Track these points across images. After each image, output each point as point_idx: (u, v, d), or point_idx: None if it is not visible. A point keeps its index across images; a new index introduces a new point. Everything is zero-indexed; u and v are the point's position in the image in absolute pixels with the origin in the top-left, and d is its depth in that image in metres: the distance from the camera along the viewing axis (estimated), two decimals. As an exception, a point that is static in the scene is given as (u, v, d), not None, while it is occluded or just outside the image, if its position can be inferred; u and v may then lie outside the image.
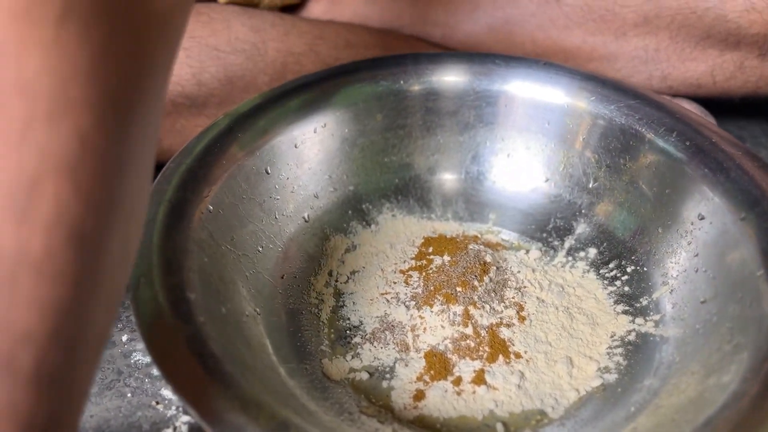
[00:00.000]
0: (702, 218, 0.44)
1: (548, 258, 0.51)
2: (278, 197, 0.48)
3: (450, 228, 0.53)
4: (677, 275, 0.44)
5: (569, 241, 0.51)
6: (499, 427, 0.40)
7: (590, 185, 0.51)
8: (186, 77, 0.53)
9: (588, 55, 0.61)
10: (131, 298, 0.36)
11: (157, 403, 0.44)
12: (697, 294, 0.42)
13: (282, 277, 0.46)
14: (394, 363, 0.43)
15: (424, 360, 0.43)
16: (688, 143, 0.46)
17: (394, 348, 0.44)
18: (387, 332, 0.45)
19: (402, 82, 0.52)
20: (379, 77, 0.52)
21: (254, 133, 0.47)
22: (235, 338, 0.39)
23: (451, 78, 0.53)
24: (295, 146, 0.49)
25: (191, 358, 0.33)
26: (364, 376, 0.43)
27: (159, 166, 0.61)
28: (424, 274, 0.47)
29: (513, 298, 0.46)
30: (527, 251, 0.51)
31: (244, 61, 0.55)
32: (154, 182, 0.42)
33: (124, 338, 0.47)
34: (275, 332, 0.43)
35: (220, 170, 0.44)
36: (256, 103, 0.48)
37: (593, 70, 0.60)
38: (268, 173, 0.47)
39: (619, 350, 0.44)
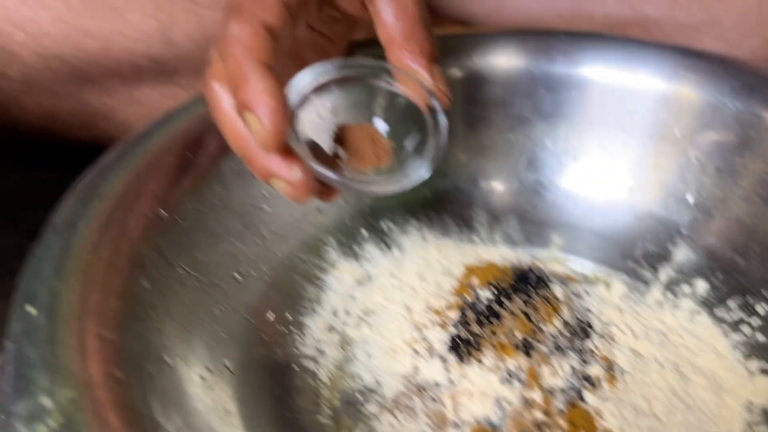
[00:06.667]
0: None
1: (638, 294, 0.37)
2: (267, 208, 0.35)
3: (499, 254, 0.39)
4: (843, 316, 0.30)
5: (666, 272, 0.37)
6: None
7: (692, 197, 0.38)
8: (151, 33, 0.40)
9: (678, 24, 0.47)
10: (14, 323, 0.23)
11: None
12: None
13: (268, 317, 0.33)
14: (426, 444, 0.30)
15: (469, 440, 0.29)
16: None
17: (425, 421, 0.30)
18: (415, 397, 0.31)
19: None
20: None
21: (235, 120, 0.35)
22: (180, 402, 0.25)
23: (499, 58, 0.40)
24: (292, 141, 0.37)
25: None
26: (382, 463, 0.29)
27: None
28: (468, 314, 0.33)
29: (597, 349, 0.32)
30: (608, 285, 0.37)
31: None
32: (83, 174, 0.30)
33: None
34: (251, 395, 0.30)
35: (185, 166, 0.32)
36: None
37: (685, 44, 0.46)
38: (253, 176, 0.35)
39: (764, 429, 0.29)
